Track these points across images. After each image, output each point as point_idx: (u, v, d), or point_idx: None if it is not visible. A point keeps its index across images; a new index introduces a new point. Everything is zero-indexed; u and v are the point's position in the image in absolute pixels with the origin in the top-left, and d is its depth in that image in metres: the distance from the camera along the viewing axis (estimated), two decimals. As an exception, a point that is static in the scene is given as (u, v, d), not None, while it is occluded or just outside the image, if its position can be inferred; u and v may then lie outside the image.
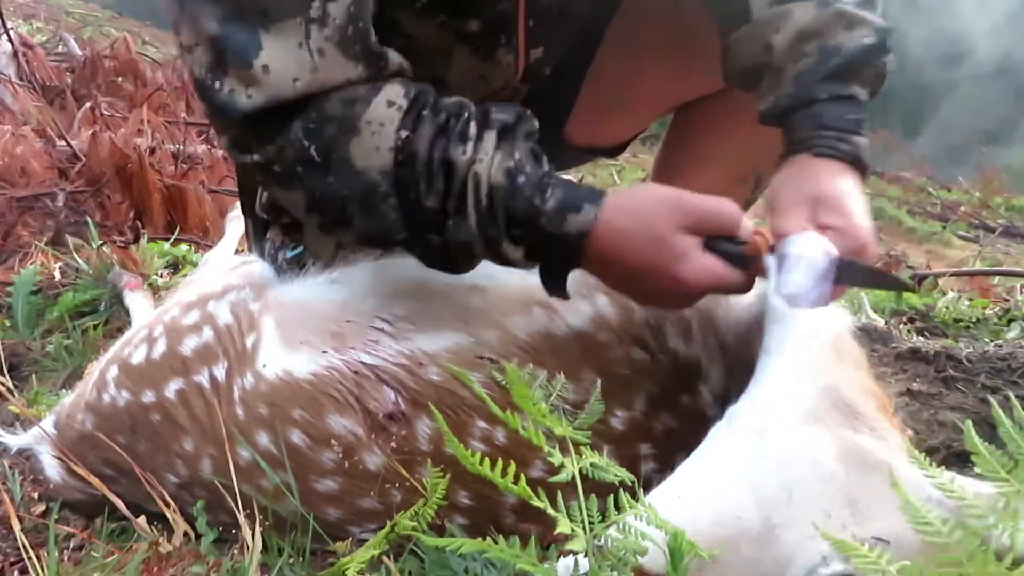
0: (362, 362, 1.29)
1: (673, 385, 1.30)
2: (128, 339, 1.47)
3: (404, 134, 1.16)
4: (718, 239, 1.15)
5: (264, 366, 1.32)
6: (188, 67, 1.21)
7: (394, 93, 1.17)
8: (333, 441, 1.26)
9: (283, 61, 1.14)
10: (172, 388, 1.34)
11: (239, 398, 1.30)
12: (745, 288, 1.17)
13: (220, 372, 1.33)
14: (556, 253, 1.18)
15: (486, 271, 1.41)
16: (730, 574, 0.89)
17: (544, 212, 1.14)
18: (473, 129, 1.16)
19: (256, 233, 1.80)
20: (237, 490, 1.26)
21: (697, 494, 0.99)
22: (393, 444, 1.24)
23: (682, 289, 1.14)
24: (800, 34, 1.27)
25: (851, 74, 1.26)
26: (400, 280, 1.44)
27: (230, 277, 1.51)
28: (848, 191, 1.18)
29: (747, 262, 1.15)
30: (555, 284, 1.22)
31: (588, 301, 1.34)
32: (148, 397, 1.35)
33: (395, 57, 1.21)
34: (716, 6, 1.41)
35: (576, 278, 1.26)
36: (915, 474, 0.88)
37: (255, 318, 1.39)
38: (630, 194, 1.18)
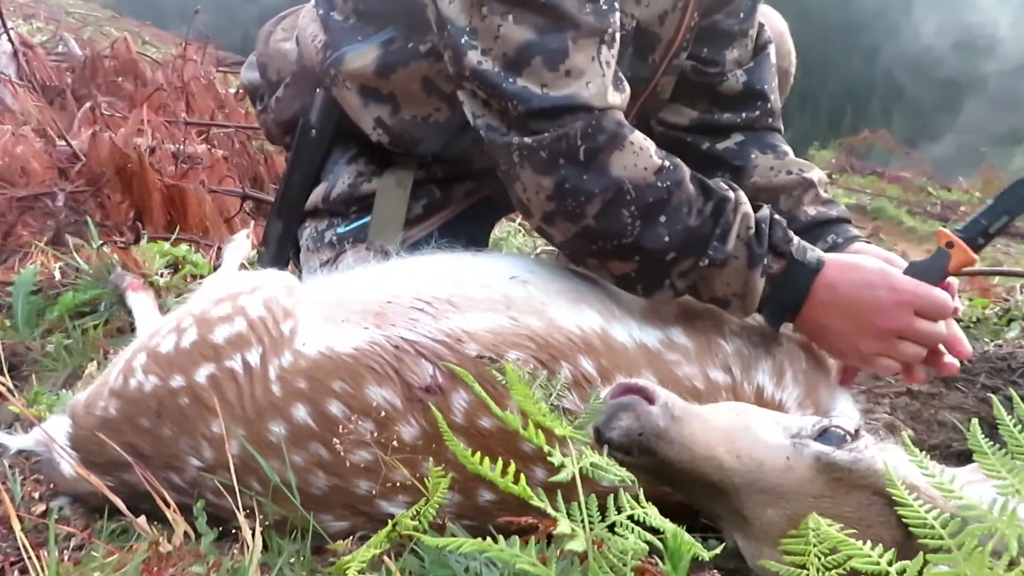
0: (403, 338, 1.34)
1: None
2: (155, 331, 1.49)
3: (667, 163, 1.43)
4: (911, 265, 1.47)
5: (304, 344, 1.35)
6: (468, 59, 1.42)
7: (641, 134, 1.46)
8: (371, 411, 1.28)
9: (582, 68, 1.40)
10: (203, 373, 1.35)
11: (276, 376, 1.33)
12: (947, 300, 1.42)
13: (254, 357, 1.35)
14: (792, 283, 1.45)
15: (526, 265, 1.53)
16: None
17: (793, 243, 1.46)
18: (724, 184, 1.48)
19: (286, 233, 1.90)
20: (266, 467, 1.29)
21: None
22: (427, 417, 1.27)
23: (898, 299, 1.41)
24: (821, 179, 1.85)
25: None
26: (437, 270, 1.52)
27: (257, 279, 1.54)
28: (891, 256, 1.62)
29: (943, 256, 1.44)
30: (775, 320, 1.49)
31: (660, 328, 1.43)
32: (177, 382, 1.36)
33: (627, 89, 1.50)
34: (726, 155, 1.88)
35: (648, 310, 1.46)
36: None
37: (290, 309, 1.42)
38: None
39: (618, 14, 1.47)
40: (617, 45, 1.46)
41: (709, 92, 1.88)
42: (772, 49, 1.92)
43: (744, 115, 1.87)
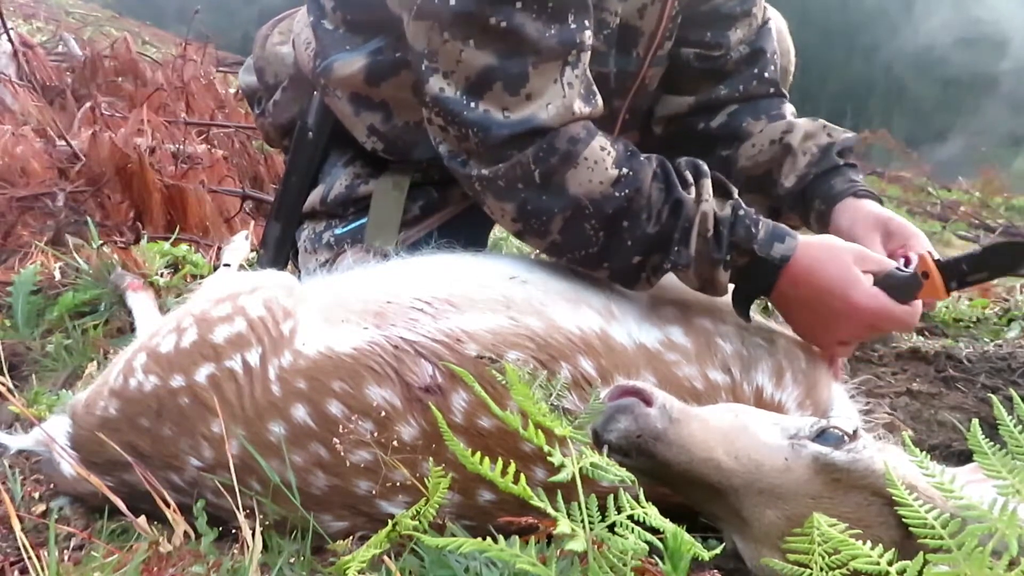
0: (402, 338, 1.34)
1: None
2: (155, 331, 1.49)
3: (624, 171, 1.45)
4: (887, 275, 1.44)
5: (304, 344, 1.36)
6: (430, 85, 1.46)
7: (604, 140, 1.48)
8: (371, 411, 1.28)
9: (542, 90, 1.43)
10: (203, 373, 1.36)
11: (276, 376, 1.33)
12: (909, 318, 1.45)
13: (254, 357, 1.35)
14: (757, 275, 1.46)
15: (526, 266, 1.55)
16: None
17: (757, 239, 1.44)
18: (690, 176, 1.48)
19: (284, 235, 1.92)
20: (266, 467, 1.29)
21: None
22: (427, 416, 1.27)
23: (854, 314, 1.43)
24: (806, 134, 1.80)
25: (847, 152, 1.79)
26: (437, 270, 1.53)
27: (257, 279, 1.54)
28: (893, 214, 1.65)
29: (916, 283, 1.43)
30: (743, 306, 1.50)
31: (659, 328, 1.44)
32: (177, 381, 1.36)
33: (599, 99, 1.52)
34: (720, 132, 1.86)
35: (647, 310, 1.48)
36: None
37: (290, 309, 1.42)
38: (819, 237, 1.53)
39: (588, 31, 1.48)
40: (586, 61, 1.48)
41: (713, 75, 1.87)
42: (773, 25, 1.92)
43: (742, 88, 1.87)
